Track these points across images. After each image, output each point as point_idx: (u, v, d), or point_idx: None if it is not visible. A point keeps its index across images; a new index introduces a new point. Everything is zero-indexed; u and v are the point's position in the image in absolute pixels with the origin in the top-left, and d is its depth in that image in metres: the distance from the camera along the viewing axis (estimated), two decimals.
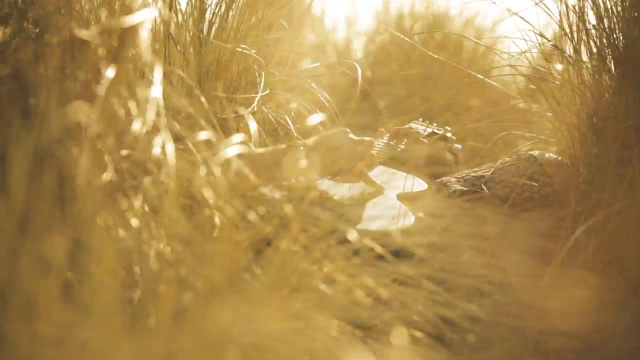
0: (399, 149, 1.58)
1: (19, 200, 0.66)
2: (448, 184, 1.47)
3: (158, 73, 0.81)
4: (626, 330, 1.13)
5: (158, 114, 0.79)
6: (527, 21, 1.49)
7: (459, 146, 1.70)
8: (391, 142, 1.59)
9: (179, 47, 1.46)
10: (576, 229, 1.28)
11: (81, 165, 0.69)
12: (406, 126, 1.72)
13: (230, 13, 1.55)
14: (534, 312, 1.23)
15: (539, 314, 1.22)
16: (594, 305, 1.23)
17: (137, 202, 0.77)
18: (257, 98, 1.46)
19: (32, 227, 0.71)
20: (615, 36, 1.33)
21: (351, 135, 1.36)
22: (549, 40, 1.50)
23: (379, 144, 1.55)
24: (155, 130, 0.78)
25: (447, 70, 2.67)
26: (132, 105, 0.81)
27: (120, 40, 0.84)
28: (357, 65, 1.49)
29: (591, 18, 1.38)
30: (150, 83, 0.81)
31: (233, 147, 0.82)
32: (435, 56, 2.26)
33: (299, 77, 1.60)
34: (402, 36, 2.74)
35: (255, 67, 1.54)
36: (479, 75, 1.70)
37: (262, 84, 1.52)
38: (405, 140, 1.63)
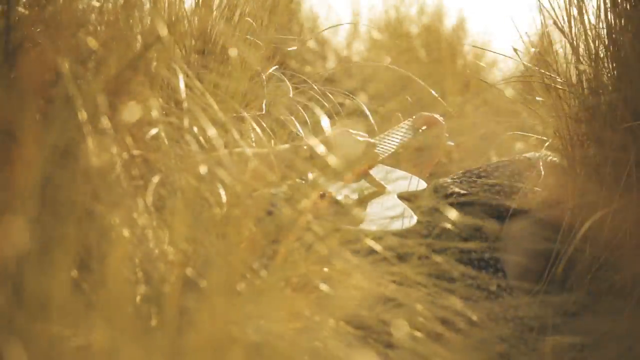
0: (400, 143, 1.57)
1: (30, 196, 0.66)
2: (445, 184, 1.47)
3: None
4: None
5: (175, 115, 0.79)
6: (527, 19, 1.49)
7: (451, 143, 1.71)
8: (393, 134, 1.59)
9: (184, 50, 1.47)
10: (572, 230, 1.29)
11: (95, 163, 0.69)
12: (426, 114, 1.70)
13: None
14: (532, 313, 1.24)
15: (537, 314, 1.23)
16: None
17: (144, 201, 0.77)
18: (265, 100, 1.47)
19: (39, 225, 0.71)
20: (612, 37, 1.34)
21: (354, 135, 1.36)
22: (545, 42, 1.50)
23: (385, 138, 1.55)
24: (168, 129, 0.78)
25: (443, 72, 2.69)
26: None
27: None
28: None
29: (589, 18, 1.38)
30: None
31: (241, 147, 0.83)
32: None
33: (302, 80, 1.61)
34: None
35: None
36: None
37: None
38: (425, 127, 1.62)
